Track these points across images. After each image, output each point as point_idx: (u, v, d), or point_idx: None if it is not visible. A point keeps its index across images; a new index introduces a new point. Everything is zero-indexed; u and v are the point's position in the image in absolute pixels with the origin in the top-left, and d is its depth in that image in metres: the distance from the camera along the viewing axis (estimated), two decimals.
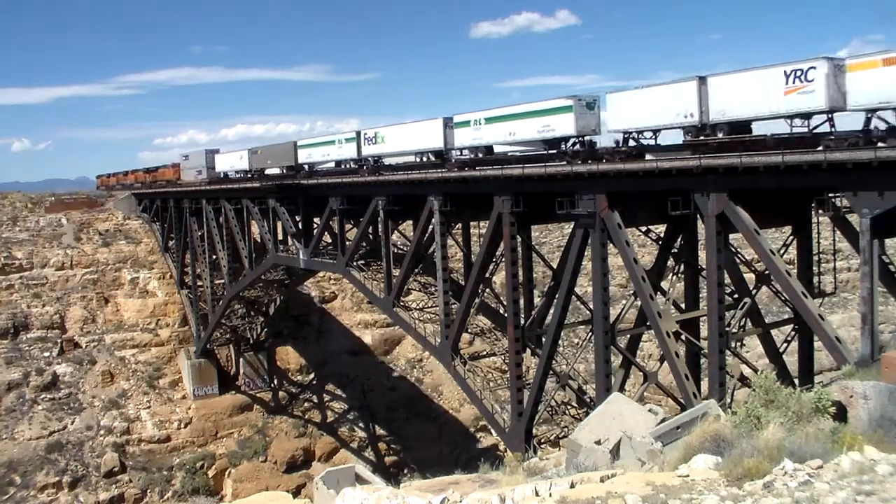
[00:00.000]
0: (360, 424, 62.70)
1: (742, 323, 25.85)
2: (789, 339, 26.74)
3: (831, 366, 26.87)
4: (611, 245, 26.47)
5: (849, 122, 21.18)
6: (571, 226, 29.10)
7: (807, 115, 20.82)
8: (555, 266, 34.03)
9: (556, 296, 29.92)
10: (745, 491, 8.51)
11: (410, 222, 39.68)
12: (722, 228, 22.42)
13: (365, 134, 39.77)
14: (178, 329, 64.20)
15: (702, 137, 23.38)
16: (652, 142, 25.88)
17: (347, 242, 41.39)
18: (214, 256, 58.14)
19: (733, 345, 25.71)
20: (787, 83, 20.77)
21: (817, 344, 24.39)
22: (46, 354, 58.74)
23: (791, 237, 26.52)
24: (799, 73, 20.49)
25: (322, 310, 67.73)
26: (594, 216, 25.82)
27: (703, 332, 26.67)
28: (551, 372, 30.93)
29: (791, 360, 26.64)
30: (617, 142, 26.98)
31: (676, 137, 25.09)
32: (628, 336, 30.03)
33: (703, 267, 25.40)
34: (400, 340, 66.49)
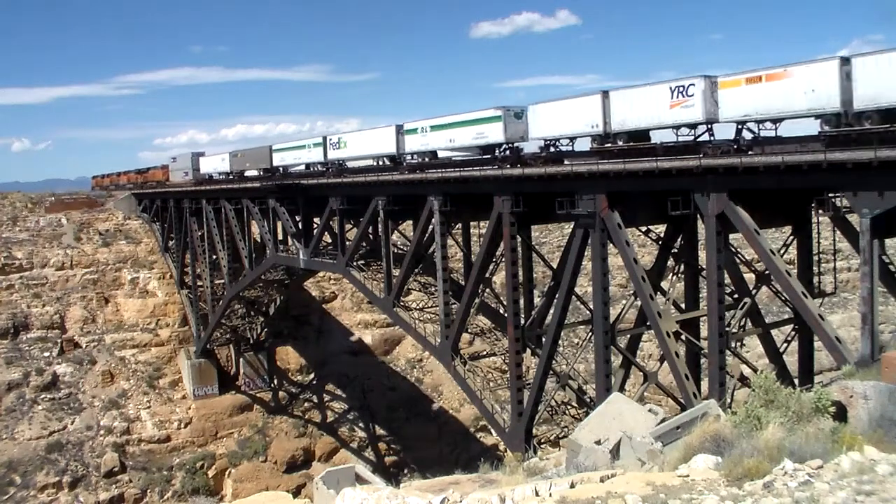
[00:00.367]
0: (360, 424, 62.71)
1: (742, 323, 25.85)
2: (789, 339, 26.74)
3: (831, 366, 26.86)
4: (611, 245, 26.47)
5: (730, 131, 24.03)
6: (571, 226, 29.12)
7: (690, 126, 24.02)
8: (555, 266, 34.04)
9: (556, 296, 29.92)
10: (745, 491, 8.51)
11: (410, 222, 39.71)
12: (722, 228, 22.42)
13: (330, 139, 43.28)
14: (178, 329, 64.20)
15: (607, 145, 26.65)
16: (569, 148, 29.32)
17: (347, 242, 41.39)
18: (214, 256, 58.17)
19: (733, 345, 25.71)
20: (672, 98, 23.90)
21: (817, 344, 24.38)
22: (46, 354, 58.74)
23: (791, 237, 26.51)
24: (682, 88, 23.60)
25: (322, 310, 67.73)
26: (594, 216, 25.83)
27: (703, 332, 26.67)
28: (551, 372, 30.93)
29: (791, 360, 26.63)
30: (541, 147, 30.00)
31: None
32: (628, 336, 30.03)
33: (703, 267, 25.41)
34: (400, 340, 66.49)
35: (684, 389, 23.83)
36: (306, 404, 63.26)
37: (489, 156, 32.64)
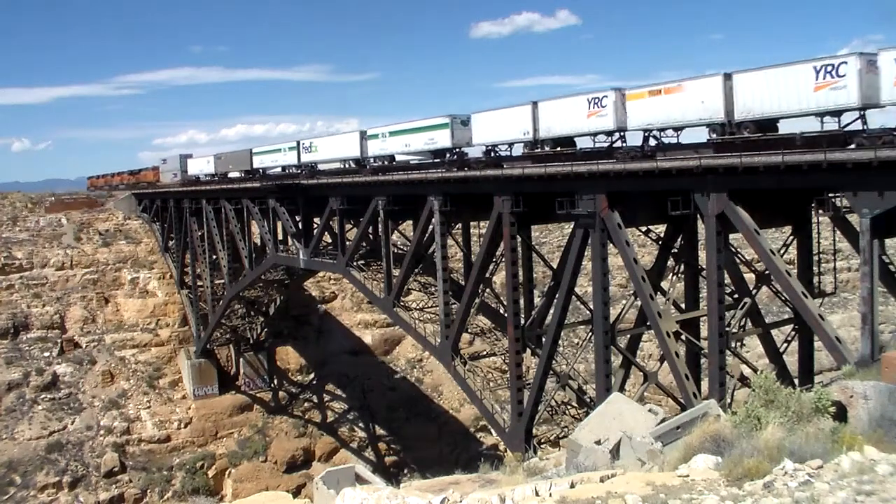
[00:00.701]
0: (360, 424, 62.70)
1: (742, 323, 25.85)
2: (789, 339, 26.73)
3: (831, 366, 26.86)
4: (611, 245, 26.47)
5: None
6: (571, 226, 29.13)
7: (604, 133, 26.72)
8: (555, 266, 34.04)
9: (556, 296, 29.91)
10: (745, 491, 8.51)
11: (410, 222, 39.72)
12: (722, 228, 22.42)
13: (303, 144, 46.44)
14: (178, 329, 64.20)
15: (536, 150, 29.50)
16: (507, 153, 32.14)
17: (347, 242, 41.39)
18: (214, 256, 58.18)
19: (733, 345, 25.72)
20: (589, 108, 26.69)
21: (817, 344, 24.38)
22: (46, 354, 58.74)
23: (791, 237, 26.52)
24: (597, 100, 26.39)
25: (322, 310, 67.74)
26: (594, 216, 25.83)
27: (703, 332, 26.67)
28: (551, 372, 30.92)
29: (791, 360, 26.63)
30: (483, 152, 32.97)
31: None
32: (628, 336, 30.02)
33: (703, 267, 25.41)
34: (400, 340, 66.48)
35: (684, 389, 23.83)
36: (306, 404, 63.25)
37: (439, 160, 35.49)
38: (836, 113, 20.45)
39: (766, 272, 24.58)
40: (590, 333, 31.13)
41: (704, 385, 25.66)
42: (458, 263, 48.60)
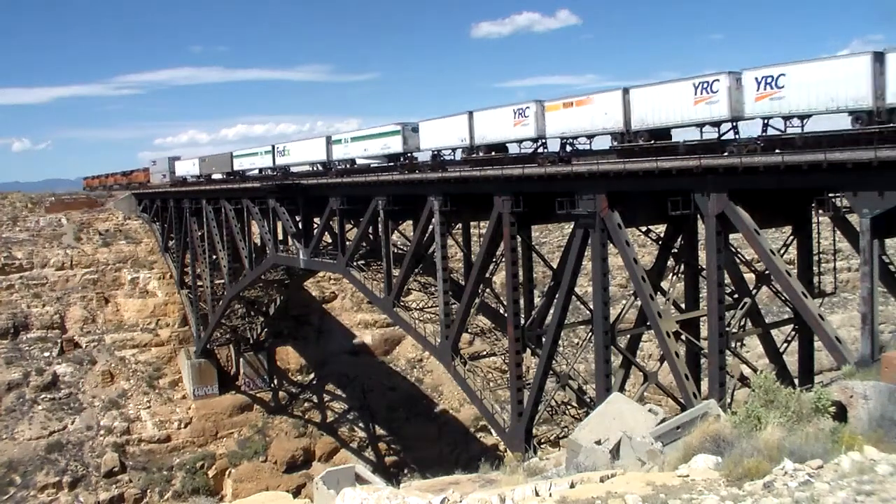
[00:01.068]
0: (360, 424, 62.69)
1: (742, 323, 25.86)
2: (789, 339, 26.73)
3: (831, 366, 26.87)
4: (611, 245, 26.47)
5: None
6: (571, 226, 29.15)
7: (528, 140, 29.93)
8: (555, 266, 34.04)
9: (556, 296, 29.91)
10: (745, 491, 8.51)
11: (410, 222, 39.73)
12: (722, 228, 22.42)
13: (277, 148, 50.13)
14: (178, 329, 64.19)
15: (473, 155, 32.93)
16: (451, 157, 35.69)
17: (347, 242, 41.39)
18: (214, 256, 58.19)
19: (733, 345, 25.71)
20: (514, 118, 29.87)
21: (817, 344, 24.38)
22: (46, 354, 58.74)
23: (791, 237, 26.51)
24: (521, 111, 29.55)
25: (322, 310, 67.72)
26: (594, 216, 25.83)
27: (703, 332, 26.67)
28: (551, 372, 30.92)
29: (791, 360, 26.62)
30: (431, 157, 36.34)
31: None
32: (628, 336, 30.02)
33: (703, 267, 25.41)
34: (400, 340, 66.48)
35: (684, 389, 23.82)
36: (306, 404, 63.25)
37: (393, 163, 39.03)
38: (715, 123, 23.36)
39: (766, 272, 24.58)
40: (590, 333, 31.13)
41: (704, 385, 25.65)
42: (458, 263, 48.61)
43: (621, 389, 27.48)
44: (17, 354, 57.76)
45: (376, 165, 41.85)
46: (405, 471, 57.49)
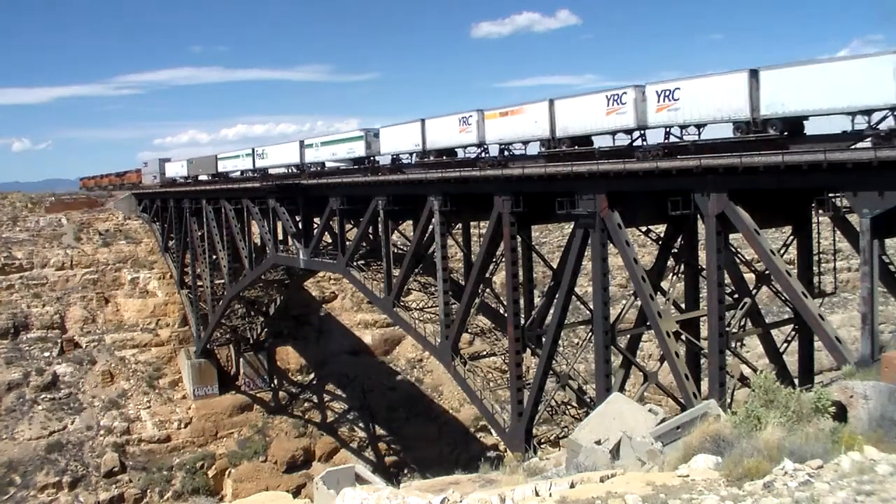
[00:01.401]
0: (360, 424, 62.68)
1: (742, 323, 25.84)
2: (789, 339, 26.72)
3: (831, 366, 26.87)
4: (611, 245, 26.46)
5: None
6: (571, 226, 29.15)
7: (473, 146, 32.81)
8: (555, 266, 34.04)
9: (556, 296, 29.90)
10: (745, 491, 8.51)
11: (410, 222, 39.73)
12: (722, 228, 22.41)
13: (257, 151, 52.85)
14: (178, 329, 64.18)
15: (425, 159, 35.75)
16: (409, 161, 37.94)
17: (347, 242, 41.39)
18: (214, 256, 58.18)
19: (733, 345, 25.71)
20: (459, 125, 32.60)
21: (817, 344, 24.37)
22: (46, 354, 58.73)
23: (791, 237, 26.50)
24: (465, 119, 32.27)
25: (322, 310, 67.73)
26: (594, 216, 25.83)
27: (703, 332, 26.66)
28: (551, 372, 30.91)
29: (791, 360, 26.61)
30: (391, 160, 39.03)
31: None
32: (628, 336, 30.01)
33: (703, 267, 25.40)
34: (400, 340, 66.47)
35: (684, 389, 23.82)
36: (306, 404, 63.23)
37: (357, 166, 41.86)
38: (626, 131, 25.65)
39: (766, 272, 24.58)
40: (590, 333, 31.13)
41: (704, 385, 25.65)
42: (458, 263, 48.61)
43: (621, 389, 27.48)
44: (17, 354, 57.76)
45: (346, 167, 44.33)
46: (405, 471, 57.49)
